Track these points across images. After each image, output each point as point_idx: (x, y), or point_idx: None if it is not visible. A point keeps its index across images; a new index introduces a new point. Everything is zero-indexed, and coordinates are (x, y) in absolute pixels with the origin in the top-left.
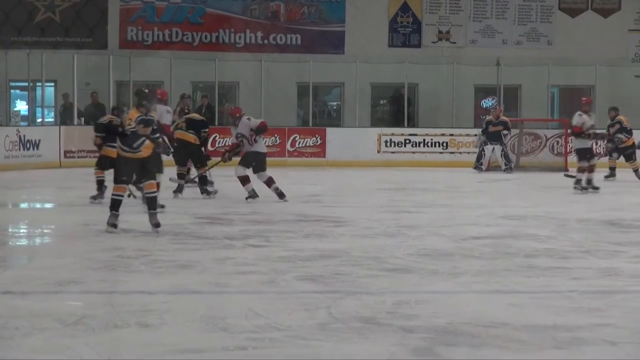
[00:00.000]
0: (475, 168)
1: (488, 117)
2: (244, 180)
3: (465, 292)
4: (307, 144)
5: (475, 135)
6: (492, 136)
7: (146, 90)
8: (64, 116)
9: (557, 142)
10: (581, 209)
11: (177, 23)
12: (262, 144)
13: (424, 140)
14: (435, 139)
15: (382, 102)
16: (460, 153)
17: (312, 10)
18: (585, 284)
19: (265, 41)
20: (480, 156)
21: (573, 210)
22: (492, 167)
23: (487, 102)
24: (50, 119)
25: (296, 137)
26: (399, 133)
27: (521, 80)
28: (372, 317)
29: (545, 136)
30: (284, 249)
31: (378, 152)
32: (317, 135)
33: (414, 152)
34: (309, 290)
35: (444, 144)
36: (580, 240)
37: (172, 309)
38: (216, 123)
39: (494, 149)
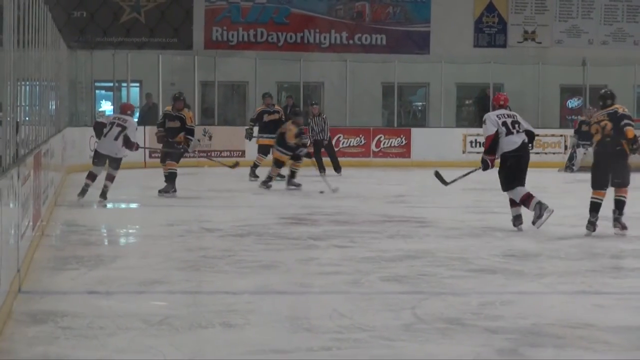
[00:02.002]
0: (566, 168)
1: (581, 118)
2: None
3: (551, 293)
4: (392, 144)
5: (572, 136)
6: (584, 136)
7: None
8: (148, 116)
9: None
10: None
11: (262, 23)
12: None
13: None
14: None
15: (467, 102)
16: (545, 154)
17: (397, 10)
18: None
19: (350, 41)
20: (572, 157)
21: None
22: (582, 168)
23: (573, 102)
24: (135, 119)
25: (381, 137)
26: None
27: (607, 81)
28: (457, 317)
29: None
30: (368, 249)
31: (463, 152)
32: (402, 136)
33: None
34: (393, 290)
35: (530, 144)
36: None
37: (256, 309)
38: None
39: (586, 150)
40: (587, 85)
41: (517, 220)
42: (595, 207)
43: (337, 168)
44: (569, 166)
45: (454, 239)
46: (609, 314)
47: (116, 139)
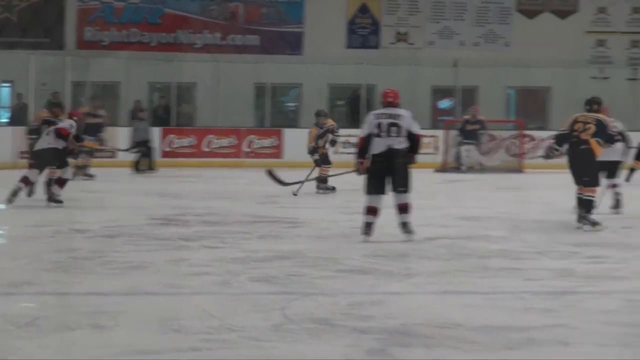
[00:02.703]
0: (455, 169)
1: (466, 116)
2: None
3: (420, 293)
4: (264, 145)
5: (456, 135)
6: (469, 135)
7: None
8: (18, 117)
9: (513, 143)
10: (535, 210)
11: (135, 23)
12: None
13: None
14: None
15: (339, 103)
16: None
17: (270, 11)
18: (538, 284)
19: (224, 42)
20: (458, 157)
21: (527, 211)
22: (449, 168)
23: (444, 103)
24: (5, 119)
25: (253, 138)
26: (355, 134)
27: (478, 82)
28: (326, 318)
29: (501, 137)
30: (238, 250)
31: (335, 153)
32: (273, 136)
33: None
34: (263, 291)
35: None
36: (533, 241)
37: (126, 310)
38: (174, 124)
39: (469, 149)
40: (459, 86)
41: (403, 227)
42: (580, 203)
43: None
44: (458, 167)
45: (324, 239)
46: (477, 313)
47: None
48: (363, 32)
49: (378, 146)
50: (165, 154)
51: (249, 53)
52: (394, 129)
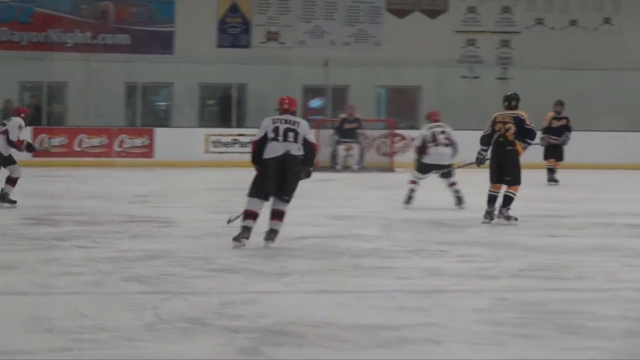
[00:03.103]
0: (331, 167)
1: (343, 115)
2: None
3: (292, 292)
4: (135, 145)
5: (333, 134)
6: (346, 134)
7: None
8: None
9: (384, 143)
10: (407, 209)
11: (5, 22)
12: None
13: (252, 140)
14: None
15: (210, 102)
16: None
17: (141, 10)
18: (409, 283)
19: (94, 41)
20: (334, 155)
21: (398, 210)
22: (322, 167)
23: (315, 103)
24: None
25: (124, 137)
26: (227, 133)
27: (349, 81)
28: (199, 317)
29: (372, 136)
30: (110, 249)
31: (206, 152)
32: (145, 136)
33: (242, 153)
34: (135, 291)
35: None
36: (405, 240)
37: None
38: (45, 123)
39: (347, 148)
40: (330, 85)
41: (268, 233)
42: (491, 199)
43: None
44: (333, 165)
45: (196, 238)
46: (348, 312)
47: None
48: (234, 31)
49: (274, 150)
50: (37, 154)
51: (120, 52)
52: (291, 134)
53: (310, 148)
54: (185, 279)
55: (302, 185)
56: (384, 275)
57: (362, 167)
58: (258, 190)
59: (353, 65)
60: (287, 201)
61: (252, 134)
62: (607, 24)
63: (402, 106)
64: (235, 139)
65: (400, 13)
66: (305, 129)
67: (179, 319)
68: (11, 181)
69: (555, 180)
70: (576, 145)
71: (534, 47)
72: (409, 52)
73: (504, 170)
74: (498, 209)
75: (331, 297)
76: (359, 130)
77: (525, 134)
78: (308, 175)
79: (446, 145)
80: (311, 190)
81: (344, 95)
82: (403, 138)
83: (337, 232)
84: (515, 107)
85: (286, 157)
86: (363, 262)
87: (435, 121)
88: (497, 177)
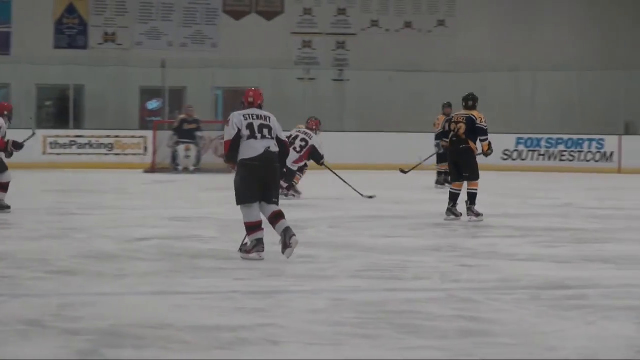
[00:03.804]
0: (174, 169)
1: (181, 116)
2: None
3: (131, 294)
4: None
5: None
6: (185, 134)
7: None
8: None
9: (222, 144)
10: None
11: None
12: None
13: (90, 141)
14: (101, 141)
15: (47, 103)
16: (126, 155)
17: None
18: (247, 284)
19: None
20: (175, 157)
21: (235, 211)
22: (160, 168)
23: (153, 104)
24: None
25: None
26: (64, 135)
27: (186, 82)
28: (37, 319)
29: (210, 138)
30: None
31: (43, 153)
32: None
33: (80, 154)
34: None
35: (110, 146)
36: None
37: None
38: None
39: (186, 148)
40: (167, 87)
41: (286, 234)
42: (453, 197)
43: None
44: (175, 167)
45: (34, 240)
46: (187, 313)
47: None
48: (71, 32)
49: (254, 149)
50: None
51: None
52: (266, 130)
53: (284, 145)
54: (24, 281)
55: (141, 187)
56: (222, 277)
57: (199, 169)
58: (251, 195)
59: (190, 66)
60: (277, 204)
61: (90, 135)
62: (441, 26)
63: (239, 107)
64: (73, 141)
65: (237, 15)
66: (276, 124)
67: (17, 321)
68: (2, 187)
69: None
70: (409, 146)
71: (369, 48)
72: (245, 53)
73: (461, 168)
74: (449, 208)
75: (170, 299)
76: (198, 132)
77: (476, 133)
78: (283, 175)
79: (296, 150)
80: (149, 192)
81: (181, 97)
82: None
83: (176, 233)
84: (472, 107)
85: (268, 155)
86: (202, 263)
87: (309, 128)
88: (456, 175)
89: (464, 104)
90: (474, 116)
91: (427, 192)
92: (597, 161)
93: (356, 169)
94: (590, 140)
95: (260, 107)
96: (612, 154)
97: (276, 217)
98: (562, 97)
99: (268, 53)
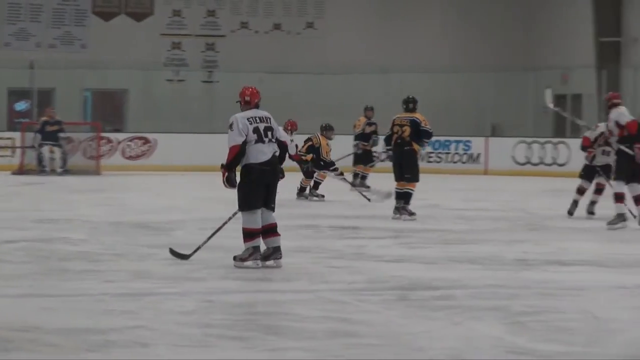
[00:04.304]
0: (41, 171)
1: (43, 118)
2: None
3: None
4: None
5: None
6: (48, 136)
7: None
8: None
9: (90, 146)
10: (113, 212)
11: None
12: None
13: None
14: None
15: None
16: None
17: None
18: (117, 286)
19: None
20: (40, 159)
21: (105, 213)
22: (28, 170)
23: (21, 105)
24: None
25: None
26: None
27: (55, 84)
28: None
29: (79, 140)
30: None
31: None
32: None
33: None
34: None
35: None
36: (112, 243)
37: None
38: None
39: (50, 150)
40: (35, 88)
41: (274, 252)
42: (398, 196)
43: None
44: (42, 169)
45: None
46: (56, 316)
47: None
48: None
49: (262, 154)
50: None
51: None
52: (270, 133)
53: (284, 147)
54: None
55: (7, 189)
56: (91, 279)
57: (66, 170)
58: (255, 201)
59: (59, 67)
60: (274, 209)
61: None
62: (311, 28)
63: (108, 109)
64: None
65: (106, 16)
66: (276, 125)
67: None
68: None
69: (367, 187)
70: None
71: (239, 50)
72: (115, 55)
73: (404, 169)
74: (396, 206)
75: (38, 301)
76: (62, 134)
77: (421, 135)
78: (283, 176)
79: None
80: (17, 194)
81: (50, 98)
82: (109, 141)
83: (44, 235)
84: (413, 110)
85: (274, 159)
86: (70, 266)
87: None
88: (399, 175)
89: (404, 106)
90: (418, 119)
91: (294, 194)
92: (464, 162)
93: None
94: (458, 141)
95: (257, 106)
96: (478, 155)
97: (272, 231)
98: (430, 99)
99: (137, 54)
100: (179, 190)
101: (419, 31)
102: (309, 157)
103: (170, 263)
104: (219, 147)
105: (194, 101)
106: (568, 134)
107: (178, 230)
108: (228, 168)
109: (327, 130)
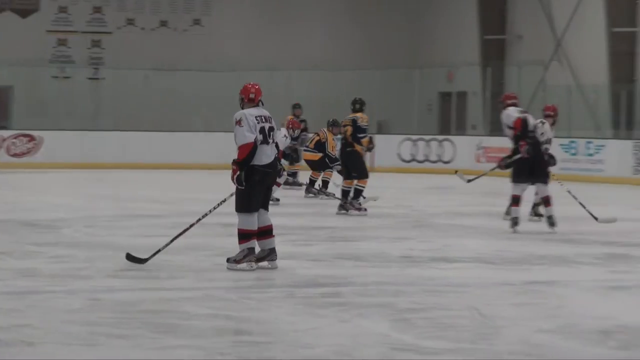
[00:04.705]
0: None
1: None
2: None
3: None
4: None
5: None
6: None
7: None
8: None
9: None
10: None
11: None
12: None
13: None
14: None
15: None
16: None
17: None
18: (2, 285)
19: None
20: None
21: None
22: None
23: None
24: None
25: None
26: None
27: None
28: None
29: None
30: None
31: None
32: None
33: None
34: None
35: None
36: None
37: None
38: None
39: None
40: None
41: (270, 254)
42: (344, 194)
43: None
44: None
45: None
46: None
47: None
48: None
49: (266, 156)
50: None
51: None
52: (272, 134)
53: (277, 147)
54: None
55: None
56: None
57: None
58: (254, 203)
59: None
60: (267, 209)
61: None
62: (197, 25)
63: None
64: None
65: None
66: (275, 125)
67: None
68: None
69: (300, 184)
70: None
71: (125, 47)
72: (0, 51)
73: (350, 168)
74: (340, 203)
75: None
76: None
77: (359, 131)
78: (280, 176)
79: None
80: None
81: None
82: None
83: None
84: (359, 110)
85: (276, 162)
86: None
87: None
88: (346, 174)
89: (351, 107)
90: (357, 117)
91: (188, 192)
92: None
93: (112, 167)
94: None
95: (259, 104)
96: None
97: (268, 232)
98: (316, 97)
99: (23, 51)
100: (65, 188)
101: (305, 29)
102: (319, 156)
103: (56, 261)
104: (105, 144)
105: (79, 98)
106: (453, 131)
107: (65, 228)
108: (240, 166)
109: (334, 126)
